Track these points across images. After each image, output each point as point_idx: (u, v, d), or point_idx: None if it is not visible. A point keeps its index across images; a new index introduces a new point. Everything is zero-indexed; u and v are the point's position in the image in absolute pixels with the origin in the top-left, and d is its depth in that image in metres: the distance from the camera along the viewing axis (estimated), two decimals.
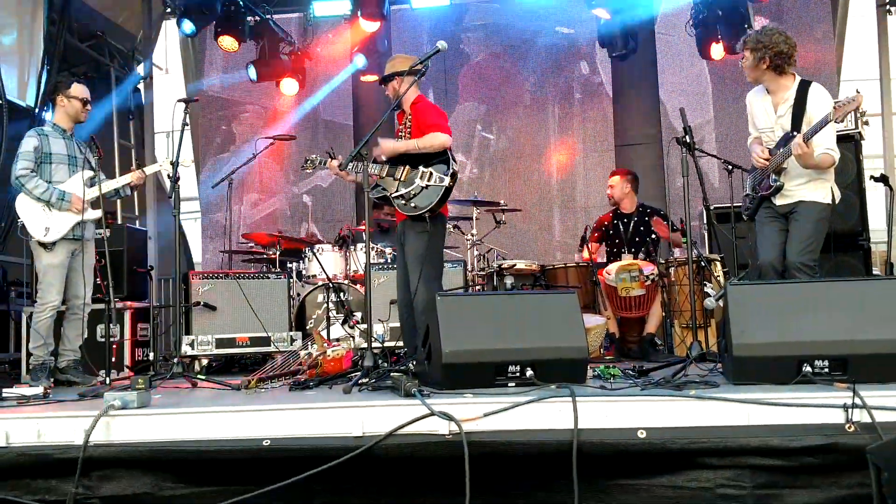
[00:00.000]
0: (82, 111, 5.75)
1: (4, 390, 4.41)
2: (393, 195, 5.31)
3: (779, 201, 5.02)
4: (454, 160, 5.25)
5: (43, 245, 5.48)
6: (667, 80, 10.04)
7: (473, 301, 4.50)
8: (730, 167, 6.06)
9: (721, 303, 4.27)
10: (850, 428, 3.11)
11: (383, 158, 5.32)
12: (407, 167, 5.27)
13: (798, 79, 4.97)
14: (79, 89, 5.74)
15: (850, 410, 3.13)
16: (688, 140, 4.98)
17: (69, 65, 8.97)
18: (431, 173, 5.20)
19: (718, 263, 6.75)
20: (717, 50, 9.06)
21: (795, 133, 4.79)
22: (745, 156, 5.46)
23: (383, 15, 9.25)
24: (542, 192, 10.28)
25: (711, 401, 3.31)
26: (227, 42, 9.48)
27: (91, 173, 5.65)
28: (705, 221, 7.82)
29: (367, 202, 4.96)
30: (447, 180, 5.17)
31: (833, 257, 6.55)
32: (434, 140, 5.17)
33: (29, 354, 5.68)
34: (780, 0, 9.16)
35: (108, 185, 5.70)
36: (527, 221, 10.12)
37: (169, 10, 10.41)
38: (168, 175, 5.59)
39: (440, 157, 5.23)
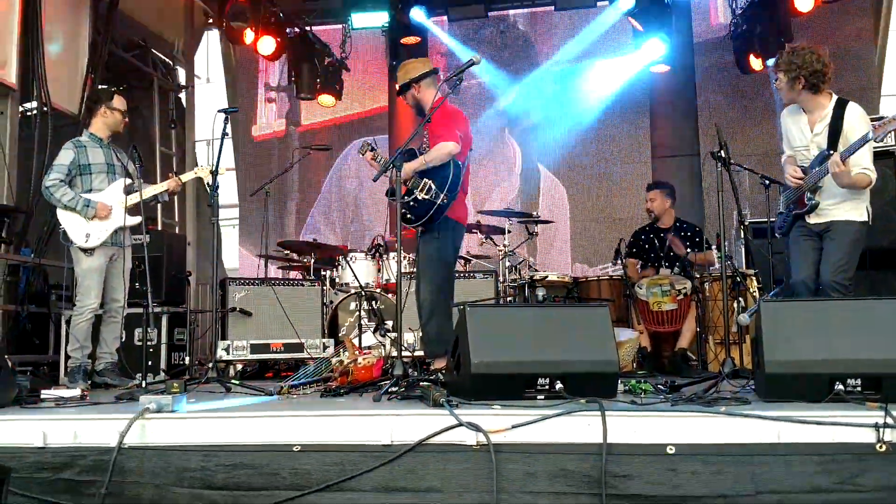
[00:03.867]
0: (121, 122, 5.88)
1: (43, 392, 4.50)
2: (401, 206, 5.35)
3: (813, 220, 4.95)
4: (458, 173, 5.22)
5: (83, 250, 5.60)
6: (705, 92, 9.98)
7: (503, 312, 4.51)
8: (767, 182, 6.00)
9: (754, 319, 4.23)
10: (881, 448, 3.07)
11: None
12: (415, 176, 5.28)
13: (835, 97, 4.90)
14: (120, 101, 5.87)
15: (881, 430, 3.09)
16: (723, 155, 4.94)
17: (112, 74, 9.16)
18: (430, 186, 5.21)
19: (754, 279, 6.69)
20: (755, 62, 9.01)
21: (832, 151, 4.74)
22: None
23: (422, 27, 9.32)
24: (577, 204, 10.27)
25: (741, 417, 3.29)
26: (265, 46, 9.49)
27: (129, 181, 5.77)
28: (741, 237, 7.76)
29: (398, 211, 4.99)
30: (442, 196, 5.16)
31: (871, 275, 6.44)
32: (439, 151, 5.16)
33: (67, 357, 5.79)
34: (820, 16, 9.03)
35: (146, 192, 5.77)
36: (561, 233, 10.12)
37: (211, 20, 10.58)
38: (207, 183, 5.70)
39: (444, 169, 5.21)
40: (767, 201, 6.09)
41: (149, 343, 6.41)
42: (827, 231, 4.91)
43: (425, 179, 5.22)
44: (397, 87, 5.66)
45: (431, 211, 5.18)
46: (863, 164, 4.73)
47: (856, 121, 4.76)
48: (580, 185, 10.28)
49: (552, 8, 9.88)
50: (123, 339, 5.97)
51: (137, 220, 5.70)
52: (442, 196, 5.15)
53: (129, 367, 5.88)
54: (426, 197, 5.19)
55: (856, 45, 9.26)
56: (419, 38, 9.55)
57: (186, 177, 6.08)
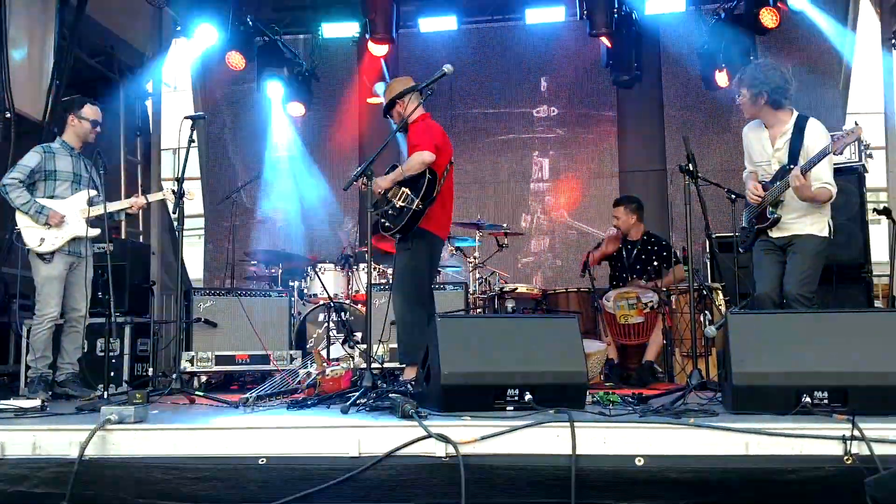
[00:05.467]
0: (91, 132, 5.82)
1: (2, 402, 4.40)
2: (380, 214, 5.36)
3: (776, 234, 5.02)
4: (435, 181, 5.24)
5: (41, 257, 5.52)
6: (672, 108, 10.08)
7: (473, 323, 4.51)
8: (733, 196, 6.06)
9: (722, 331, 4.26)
10: (848, 460, 3.10)
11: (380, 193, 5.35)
12: (395, 185, 5.31)
13: (796, 113, 4.97)
14: (91, 111, 5.81)
15: (848, 442, 3.12)
16: (690, 168, 4.98)
17: (78, 80, 9.04)
18: (406, 193, 5.23)
19: (720, 292, 6.75)
20: (721, 78, 9.12)
21: (792, 166, 4.80)
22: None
23: (392, 38, 9.30)
24: (545, 218, 10.29)
25: (710, 429, 3.30)
26: (236, 59, 9.50)
27: (94, 192, 5.69)
28: (707, 250, 7.82)
29: (369, 222, 4.99)
30: (416, 202, 5.18)
31: (835, 289, 6.53)
32: (414, 161, 5.19)
33: (27, 367, 5.68)
34: (785, 33, 9.16)
35: (110, 207, 5.66)
36: (529, 246, 10.14)
37: (179, 27, 10.48)
38: (172, 190, 5.61)
39: (421, 178, 5.22)
40: (733, 215, 6.15)
41: (112, 353, 6.31)
42: (790, 245, 4.97)
43: (402, 188, 5.25)
44: (383, 107, 5.65)
45: (406, 217, 5.19)
46: (823, 178, 4.80)
47: (816, 136, 4.83)
48: (550, 200, 10.31)
49: (522, 22, 9.93)
50: (86, 350, 5.87)
51: (97, 232, 5.63)
52: (416, 202, 5.16)
53: (91, 378, 5.77)
54: (403, 204, 5.21)
55: (821, 62, 9.39)
56: (389, 48, 9.53)
57: (153, 197, 6.04)
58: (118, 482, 3.40)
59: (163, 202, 7.05)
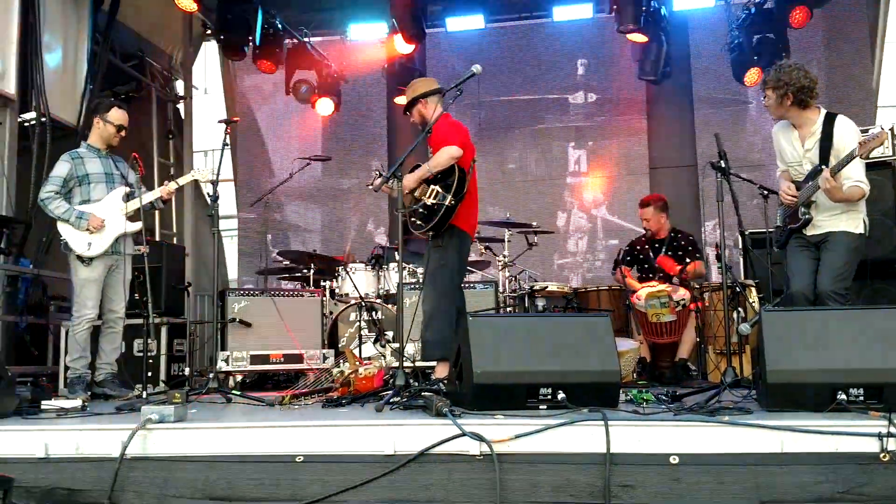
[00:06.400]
0: (115, 136, 5.84)
1: (44, 403, 4.49)
2: (409, 213, 5.38)
3: (810, 231, 4.98)
4: (464, 177, 5.24)
5: (81, 259, 5.60)
6: (702, 103, 10.02)
7: (505, 322, 4.52)
8: (765, 192, 6.02)
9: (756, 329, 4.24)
10: (884, 457, 3.08)
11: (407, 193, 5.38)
12: (423, 184, 5.33)
13: (823, 111, 4.94)
14: (116, 115, 5.83)
15: (885, 439, 3.10)
16: (723, 165, 4.96)
17: (111, 84, 9.17)
18: (437, 191, 5.23)
19: (753, 289, 6.70)
20: (751, 75, 9.04)
21: (823, 167, 4.78)
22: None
23: (420, 37, 9.33)
24: (576, 215, 10.27)
25: (745, 427, 3.29)
26: (266, 65, 9.63)
27: (128, 189, 5.77)
28: (740, 247, 7.76)
29: (399, 222, 5.00)
30: (449, 198, 5.18)
31: (870, 284, 6.47)
32: (441, 157, 5.19)
33: (66, 368, 5.78)
34: (817, 25, 9.08)
35: (143, 198, 5.77)
36: (559, 244, 10.12)
37: (209, 31, 10.59)
38: (207, 193, 5.70)
39: (451, 175, 5.23)
40: (765, 211, 6.10)
41: (149, 354, 6.39)
42: (824, 242, 4.93)
43: (432, 186, 5.26)
44: (404, 104, 5.68)
45: (440, 213, 5.19)
46: (854, 177, 4.76)
47: (845, 134, 4.81)
48: (580, 196, 10.29)
49: (550, 20, 9.92)
50: (123, 350, 5.96)
51: (138, 226, 5.70)
52: (449, 198, 5.17)
53: (128, 378, 5.87)
54: (434, 202, 5.21)
55: (853, 55, 9.28)
56: (416, 46, 9.55)
57: (183, 180, 6.06)
58: (158, 480, 3.46)
59: (199, 193, 7.02)
